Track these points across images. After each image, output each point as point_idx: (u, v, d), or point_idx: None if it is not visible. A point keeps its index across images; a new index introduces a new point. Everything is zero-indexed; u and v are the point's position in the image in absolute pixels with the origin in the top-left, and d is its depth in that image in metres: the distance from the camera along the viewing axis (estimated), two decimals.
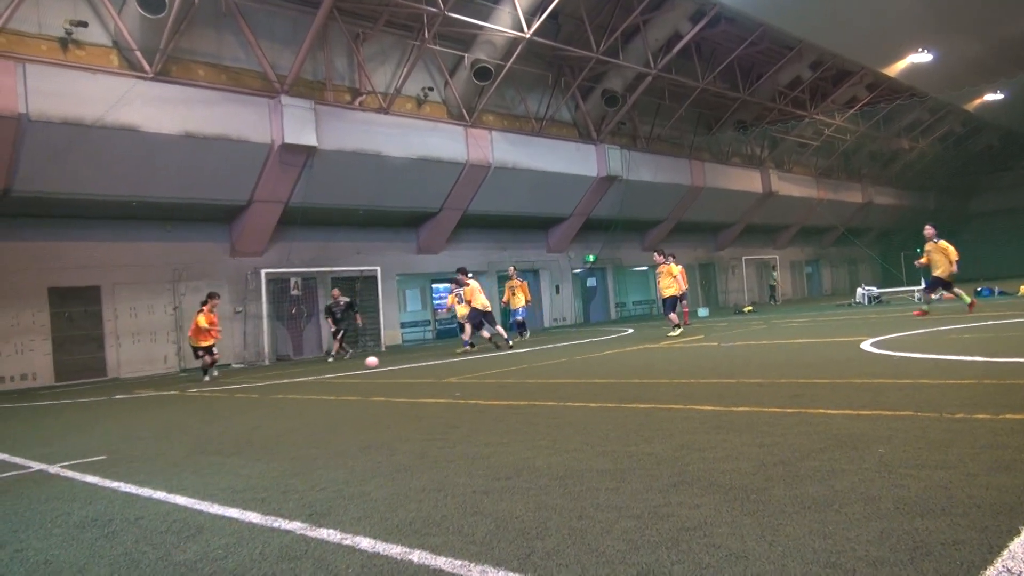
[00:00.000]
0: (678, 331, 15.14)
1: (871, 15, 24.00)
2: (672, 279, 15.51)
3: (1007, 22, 26.37)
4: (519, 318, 18.47)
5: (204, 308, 14.04)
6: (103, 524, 3.69)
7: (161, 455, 5.68)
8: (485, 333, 15.94)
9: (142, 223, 17.66)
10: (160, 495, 4.22)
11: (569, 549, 2.69)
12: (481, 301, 15.38)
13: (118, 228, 17.36)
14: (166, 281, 17.79)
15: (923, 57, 27.82)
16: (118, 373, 17.12)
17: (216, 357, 14.40)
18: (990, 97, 34.42)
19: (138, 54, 15.40)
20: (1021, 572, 2.14)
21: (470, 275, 16.10)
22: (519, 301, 18.24)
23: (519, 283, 18.36)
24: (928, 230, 14.99)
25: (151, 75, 15.47)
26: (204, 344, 13.96)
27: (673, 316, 15.52)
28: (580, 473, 3.84)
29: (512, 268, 18.91)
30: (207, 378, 13.92)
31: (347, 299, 18.31)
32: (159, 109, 15.49)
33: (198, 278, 18.25)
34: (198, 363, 14.63)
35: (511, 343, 15.68)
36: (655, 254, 16.37)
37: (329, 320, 18.35)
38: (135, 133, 15.11)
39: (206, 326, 13.90)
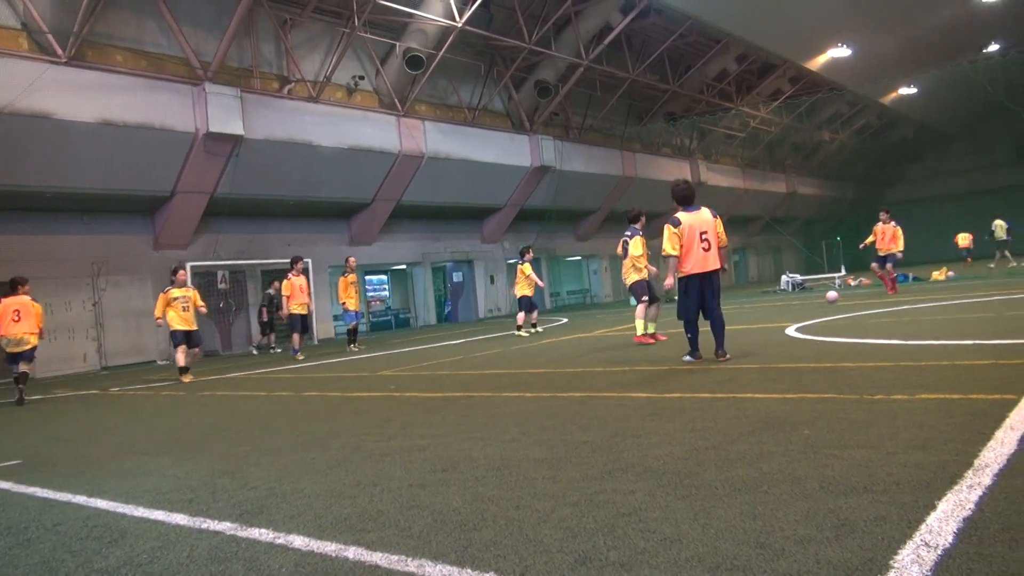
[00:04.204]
0: (523, 331, 14.52)
1: (793, 10, 24.81)
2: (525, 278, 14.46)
3: (919, 20, 27.65)
4: (353, 323, 15.52)
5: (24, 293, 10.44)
6: (18, 532, 3.51)
7: (81, 457, 5.44)
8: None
9: (58, 215, 16.83)
10: (80, 499, 4.05)
11: (507, 540, 2.69)
12: (301, 300, 13.99)
13: (32, 220, 16.48)
14: (84, 275, 17.03)
15: (842, 52, 28.96)
16: (34, 373, 16.31)
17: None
18: (904, 91, 36.01)
19: (49, 37, 14.64)
20: (938, 545, 2.24)
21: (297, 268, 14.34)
22: (352, 303, 15.26)
23: (353, 279, 15.36)
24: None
25: (64, 60, 14.73)
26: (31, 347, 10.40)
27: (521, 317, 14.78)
28: (517, 463, 3.84)
29: (351, 259, 15.67)
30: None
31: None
32: (75, 95, 14.77)
33: (119, 272, 17.55)
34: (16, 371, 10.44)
35: (300, 356, 14.08)
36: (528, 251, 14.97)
37: (264, 310, 18.19)
38: (49, 120, 14.37)
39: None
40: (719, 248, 7.31)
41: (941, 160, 48.65)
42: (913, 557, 2.17)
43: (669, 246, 7.17)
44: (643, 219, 11.20)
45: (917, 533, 2.35)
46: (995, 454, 3.11)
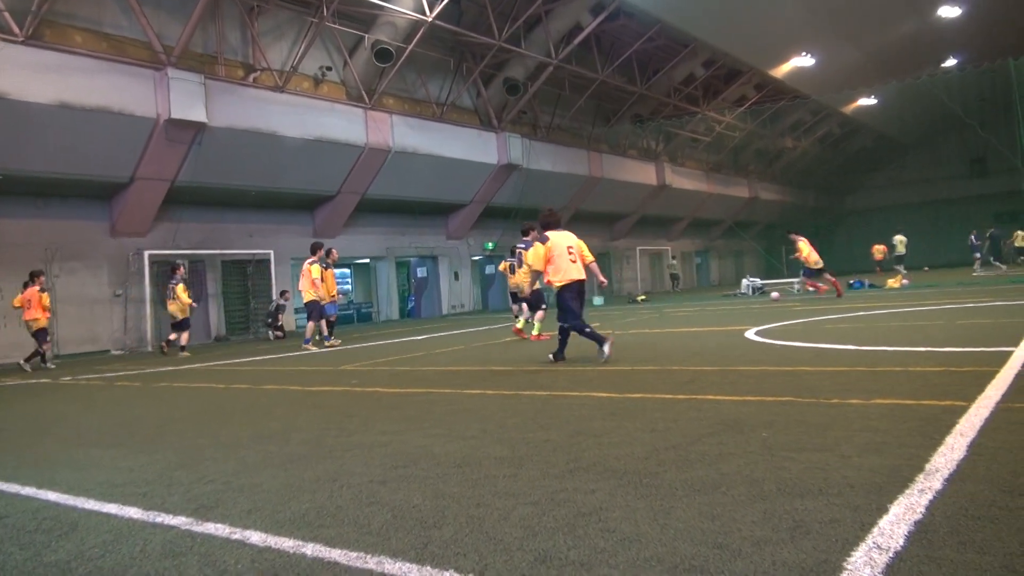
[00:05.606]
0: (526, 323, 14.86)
1: (760, 19, 25.20)
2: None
3: (879, 33, 28.30)
4: (331, 316, 14.70)
5: (36, 287, 13.67)
6: None
7: (30, 448, 5.30)
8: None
9: (10, 199, 16.35)
10: (29, 491, 3.94)
11: (467, 537, 2.68)
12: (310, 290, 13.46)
13: None
14: (37, 261, 16.53)
15: (805, 61, 29.52)
16: None
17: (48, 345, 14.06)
18: (863, 102, 36.79)
19: (6, 15, 14.22)
20: (890, 547, 2.29)
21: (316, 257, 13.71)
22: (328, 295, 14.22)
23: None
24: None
25: (21, 39, 14.32)
26: (43, 326, 13.70)
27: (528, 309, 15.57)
28: (478, 460, 3.84)
29: (334, 252, 14.71)
30: (50, 365, 13.80)
31: None
32: (31, 76, 14.36)
33: (74, 259, 17.13)
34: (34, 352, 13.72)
35: (310, 346, 13.58)
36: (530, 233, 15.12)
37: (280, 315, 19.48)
38: (3, 101, 13.95)
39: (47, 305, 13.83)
40: (585, 264, 8.38)
41: (899, 170, 49.82)
42: (865, 559, 2.22)
43: (535, 260, 8.28)
44: (533, 233, 11.78)
45: (870, 535, 2.40)
46: (946, 459, 3.19)
